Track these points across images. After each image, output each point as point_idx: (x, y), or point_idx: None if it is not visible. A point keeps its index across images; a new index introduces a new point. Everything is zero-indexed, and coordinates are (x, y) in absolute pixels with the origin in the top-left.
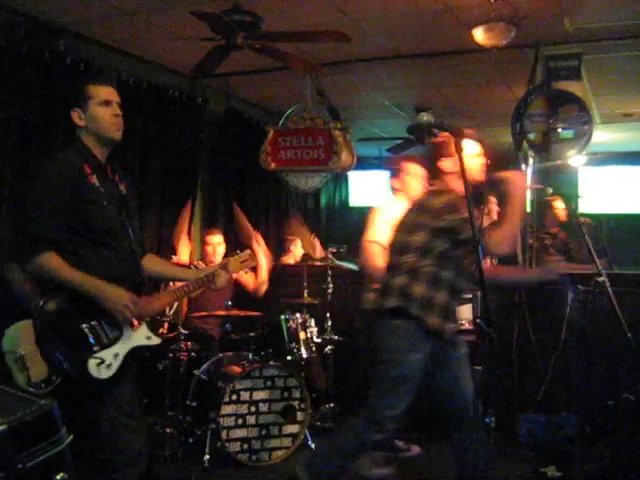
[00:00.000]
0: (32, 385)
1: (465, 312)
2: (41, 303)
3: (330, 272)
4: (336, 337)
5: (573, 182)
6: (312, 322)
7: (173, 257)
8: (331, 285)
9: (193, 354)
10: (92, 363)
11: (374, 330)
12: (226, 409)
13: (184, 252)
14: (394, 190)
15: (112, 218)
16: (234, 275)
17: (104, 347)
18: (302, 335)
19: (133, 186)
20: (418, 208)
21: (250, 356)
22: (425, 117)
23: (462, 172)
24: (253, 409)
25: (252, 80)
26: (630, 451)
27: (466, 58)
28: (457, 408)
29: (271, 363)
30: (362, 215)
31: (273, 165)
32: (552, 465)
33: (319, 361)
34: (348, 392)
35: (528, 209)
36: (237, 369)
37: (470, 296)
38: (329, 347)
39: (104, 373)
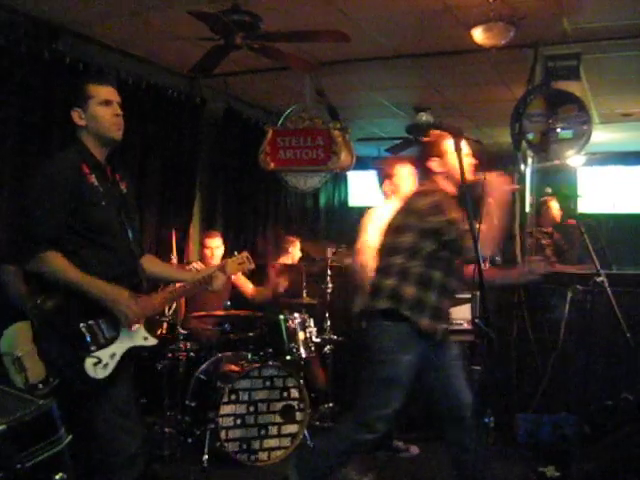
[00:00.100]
0: (30, 386)
1: (464, 312)
2: (39, 301)
3: (329, 272)
4: (335, 337)
5: (572, 182)
6: (311, 322)
7: (172, 257)
8: (330, 285)
9: (192, 354)
10: (89, 362)
11: (365, 331)
12: (225, 409)
13: None
14: (385, 194)
15: (111, 218)
16: (232, 277)
17: (101, 347)
18: (301, 335)
19: (132, 186)
20: (405, 209)
21: (249, 356)
22: (424, 117)
23: (461, 173)
24: (252, 409)
25: (251, 80)
26: (629, 451)
27: (465, 58)
28: (451, 408)
29: (270, 363)
30: (361, 215)
31: (272, 165)
32: (551, 465)
33: (318, 361)
34: (347, 392)
35: (527, 209)
36: (236, 369)
37: (469, 296)
38: (328, 347)
39: (100, 373)
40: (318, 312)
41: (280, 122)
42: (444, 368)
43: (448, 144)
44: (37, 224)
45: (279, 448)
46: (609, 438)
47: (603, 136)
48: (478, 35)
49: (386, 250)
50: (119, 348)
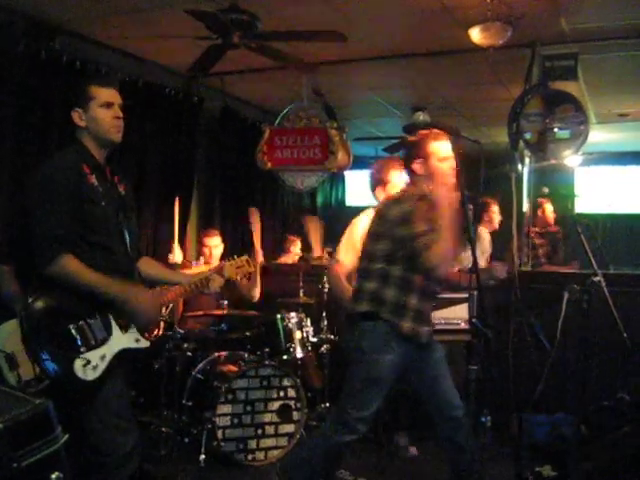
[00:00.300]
0: (23, 383)
1: (461, 312)
2: (30, 301)
3: (326, 271)
4: (332, 336)
5: (569, 182)
6: (308, 321)
7: (169, 257)
8: (327, 285)
9: (189, 353)
10: (78, 364)
11: (348, 332)
12: (222, 408)
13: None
14: (378, 200)
15: (109, 219)
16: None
17: (91, 348)
18: (298, 334)
19: (130, 186)
20: (379, 217)
21: (246, 355)
22: (421, 116)
23: (458, 173)
24: (249, 408)
25: (248, 79)
26: (626, 451)
27: (462, 58)
28: (441, 409)
29: (267, 362)
30: (359, 215)
31: (269, 164)
32: (547, 465)
33: (315, 360)
34: None
35: (524, 209)
36: (233, 368)
37: (466, 296)
38: (325, 346)
39: (90, 374)
40: (315, 312)
41: (277, 121)
42: (429, 370)
43: (434, 145)
44: (49, 226)
45: (276, 448)
46: (606, 438)
47: (600, 136)
48: (475, 35)
49: (366, 256)
50: (110, 350)
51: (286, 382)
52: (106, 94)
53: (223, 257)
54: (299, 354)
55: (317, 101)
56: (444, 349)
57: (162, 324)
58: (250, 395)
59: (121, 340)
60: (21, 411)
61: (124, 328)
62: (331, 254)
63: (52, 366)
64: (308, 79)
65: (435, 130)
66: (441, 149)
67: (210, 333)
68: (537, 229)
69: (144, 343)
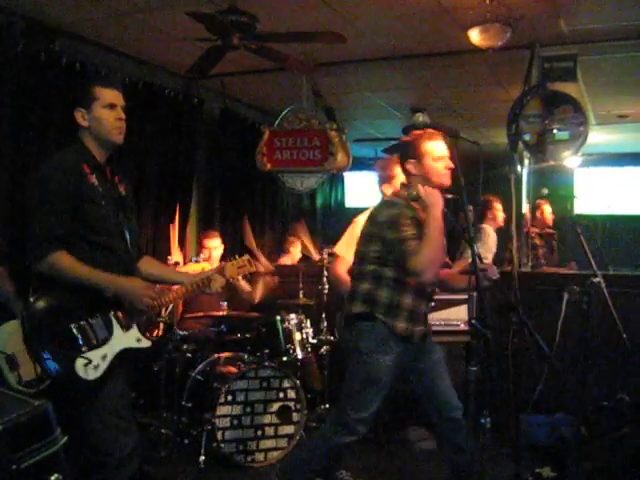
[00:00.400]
0: (23, 384)
1: (461, 313)
2: (31, 301)
3: (326, 273)
4: (332, 338)
5: (569, 183)
6: (308, 323)
7: (169, 257)
8: (327, 286)
9: (189, 355)
10: (79, 363)
11: (347, 336)
12: (221, 410)
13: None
14: (385, 196)
15: (109, 218)
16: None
17: (92, 348)
18: (298, 336)
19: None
20: (371, 219)
21: (245, 357)
22: (421, 118)
23: (456, 174)
24: (248, 410)
25: (248, 80)
26: (625, 452)
27: (462, 59)
28: (440, 410)
29: (267, 364)
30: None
31: (269, 166)
32: (547, 465)
33: (315, 362)
34: None
35: (524, 210)
36: (232, 370)
37: (466, 297)
38: (325, 348)
39: (91, 374)
40: (315, 313)
41: (277, 123)
42: (428, 370)
43: (428, 145)
44: (46, 225)
45: (276, 449)
46: (605, 439)
47: (599, 137)
48: (475, 36)
49: (359, 257)
50: (111, 350)
51: (286, 383)
52: (110, 95)
53: (223, 258)
54: (299, 355)
55: (316, 102)
56: (443, 350)
57: (162, 325)
58: (250, 396)
59: (122, 340)
60: (20, 413)
61: (125, 327)
62: (331, 254)
63: (53, 365)
64: (308, 80)
65: (429, 130)
66: (435, 148)
67: (210, 334)
68: (537, 229)
69: (145, 343)
